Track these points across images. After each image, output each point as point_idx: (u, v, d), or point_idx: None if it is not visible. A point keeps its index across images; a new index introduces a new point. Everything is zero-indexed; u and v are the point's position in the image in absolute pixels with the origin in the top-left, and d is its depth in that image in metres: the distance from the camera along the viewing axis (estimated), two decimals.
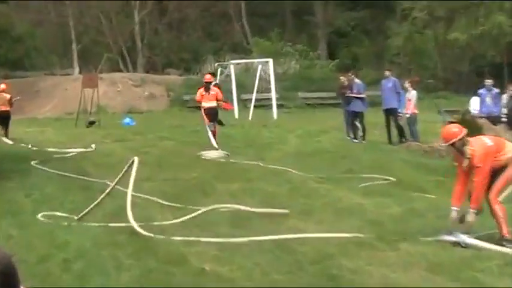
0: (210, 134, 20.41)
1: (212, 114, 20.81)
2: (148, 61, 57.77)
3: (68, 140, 24.46)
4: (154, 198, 12.63)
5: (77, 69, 51.81)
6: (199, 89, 21.53)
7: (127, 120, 30.30)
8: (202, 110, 21.04)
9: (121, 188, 13.56)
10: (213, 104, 20.81)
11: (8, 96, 25.03)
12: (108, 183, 14.14)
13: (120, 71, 52.30)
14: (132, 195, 12.69)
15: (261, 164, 16.98)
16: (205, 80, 21.49)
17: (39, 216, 11.12)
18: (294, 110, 37.69)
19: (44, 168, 16.32)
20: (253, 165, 16.96)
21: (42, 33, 58.25)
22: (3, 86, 25.42)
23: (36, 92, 43.18)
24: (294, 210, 11.59)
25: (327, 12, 56.35)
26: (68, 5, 55.00)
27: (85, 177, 15.07)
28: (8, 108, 24.72)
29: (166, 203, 12.23)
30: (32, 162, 16.73)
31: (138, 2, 56.60)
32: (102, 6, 57.23)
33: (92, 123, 30.01)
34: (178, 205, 11.99)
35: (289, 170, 15.96)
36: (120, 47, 56.91)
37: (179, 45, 58.79)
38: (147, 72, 52.67)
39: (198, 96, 21.45)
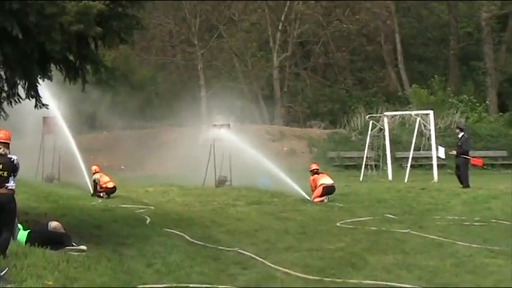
0: None
1: None
2: (288, 111, 58.33)
3: (194, 201, 25.21)
4: (294, 273, 12.70)
5: (205, 119, 52.43)
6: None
7: (263, 179, 30.72)
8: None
9: (257, 258, 13.92)
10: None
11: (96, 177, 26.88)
12: (241, 251, 14.56)
13: (255, 122, 53.00)
14: (271, 267, 13.00)
15: (420, 234, 16.91)
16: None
17: None
18: None
19: (174, 231, 16.98)
20: (410, 235, 16.91)
21: (166, 78, 59.69)
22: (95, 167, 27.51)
23: (159, 145, 44.53)
24: None
25: (498, 57, 55.44)
26: (197, 46, 56.36)
27: (215, 246, 15.40)
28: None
29: (311, 277, 12.35)
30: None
31: (277, 43, 57.45)
32: (236, 47, 58.29)
33: (222, 182, 30.65)
34: (325, 279, 12.11)
35: (453, 241, 15.81)
36: (255, 95, 57.77)
37: (324, 93, 59.13)
38: (287, 124, 53.15)
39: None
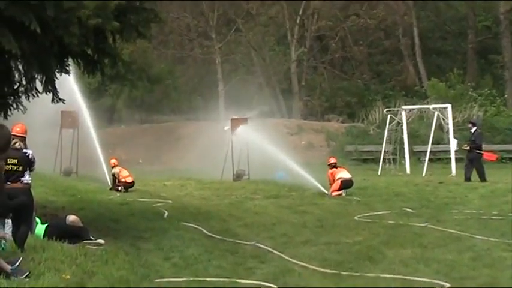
0: None
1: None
2: (306, 105, 58.24)
3: (212, 195, 25.22)
4: (312, 267, 12.59)
5: (223, 113, 52.34)
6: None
7: (280, 173, 30.68)
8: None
9: (274, 251, 13.88)
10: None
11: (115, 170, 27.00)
12: (259, 245, 14.53)
13: (272, 116, 52.83)
14: (288, 261, 12.95)
15: (438, 228, 16.84)
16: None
17: None
18: None
19: (192, 225, 16.97)
20: (428, 228, 16.83)
21: (184, 72, 59.63)
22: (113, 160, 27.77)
23: (177, 139, 44.54)
24: (477, 282, 11.43)
25: None
26: (215, 40, 56.34)
27: (232, 240, 15.37)
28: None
29: (328, 271, 12.28)
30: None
31: (295, 37, 57.38)
32: (254, 41, 58.23)
33: (239, 176, 30.63)
34: (343, 272, 12.04)
35: (471, 235, 15.73)
36: (273, 89, 57.70)
37: (342, 87, 59.01)
38: (305, 118, 53.07)
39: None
